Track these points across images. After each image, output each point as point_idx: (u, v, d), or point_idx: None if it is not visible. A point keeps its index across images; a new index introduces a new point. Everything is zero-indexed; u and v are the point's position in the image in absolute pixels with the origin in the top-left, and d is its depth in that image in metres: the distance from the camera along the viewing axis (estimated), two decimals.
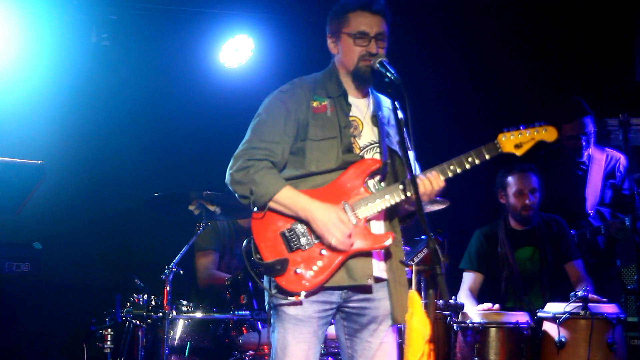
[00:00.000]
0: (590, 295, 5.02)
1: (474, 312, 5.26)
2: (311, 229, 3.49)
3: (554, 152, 6.31)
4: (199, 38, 6.62)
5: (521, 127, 3.67)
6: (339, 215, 3.47)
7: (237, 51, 6.69)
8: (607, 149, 6.26)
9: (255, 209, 3.55)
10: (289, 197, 3.49)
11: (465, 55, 7.01)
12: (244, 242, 3.56)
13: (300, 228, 3.51)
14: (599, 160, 6.21)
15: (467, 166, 3.60)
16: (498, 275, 5.75)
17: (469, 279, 5.80)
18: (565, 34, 6.93)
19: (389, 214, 3.64)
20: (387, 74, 3.51)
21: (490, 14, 6.92)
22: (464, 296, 5.70)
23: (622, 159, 6.11)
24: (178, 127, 6.70)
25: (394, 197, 3.54)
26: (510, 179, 5.77)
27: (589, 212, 6.17)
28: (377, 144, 3.66)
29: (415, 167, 3.73)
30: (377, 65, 3.56)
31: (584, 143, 6.15)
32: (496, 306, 5.32)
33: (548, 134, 3.71)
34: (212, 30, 6.63)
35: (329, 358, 4.94)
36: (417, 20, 6.95)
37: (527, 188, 5.72)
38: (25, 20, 5.94)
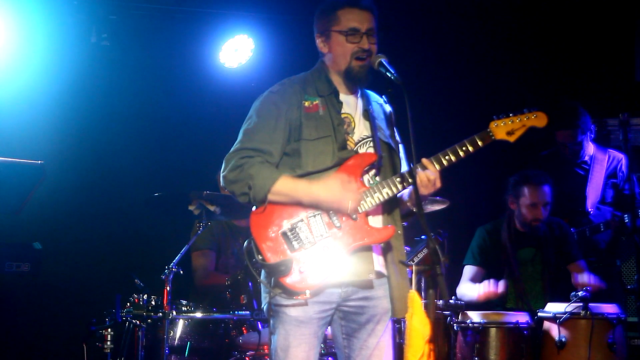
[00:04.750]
0: (592, 282, 5.06)
1: (475, 290, 5.36)
2: (317, 223, 3.48)
3: (556, 152, 6.32)
4: (199, 38, 6.62)
5: (511, 114, 3.70)
6: (340, 181, 3.48)
7: (237, 51, 6.69)
8: (609, 150, 6.28)
9: (255, 205, 3.53)
10: (288, 186, 3.48)
11: (464, 54, 7.01)
12: (245, 243, 3.54)
13: (302, 226, 3.50)
14: (601, 161, 6.22)
15: (462, 154, 3.61)
16: (499, 273, 5.75)
17: (470, 271, 5.80)
18: (566, 33, 6.93)
19: (388, 207, 3.65)
20: (388, 74, 3.51)
21: (491, 13, 6.91)
22: (464, 286, 5.70)
23: (624, 160, 6.12)
24: (178, 127, 6.71)
25: (391, 189, 3.55)
26: (525, 190, 5.72)
27: (590, 210, 6.18)
28: (370, 138, 3.67)
29: (405, 161, 3.75)
30: (377, 65, 3.57)
31: (577, 148, 6.18)
32: (501, 286, 5.33)
33: (538, 119, 3.75)
34: (212, 30, 6.63)
35: (329, 358, 4.94)
36: (416, 17, 6.95)
37: (541, 202, 5.70)
38: (25, 21, 5.94)
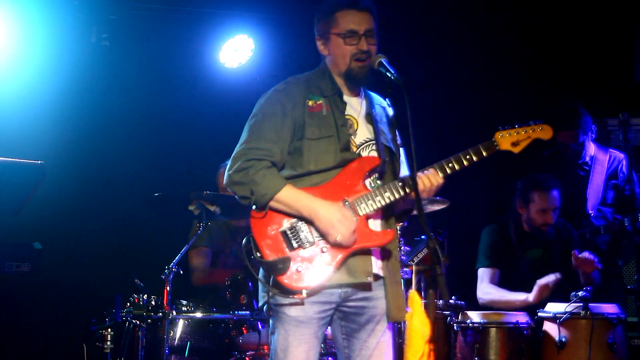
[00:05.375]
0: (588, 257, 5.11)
1: (521, 296, 5.48)
2: (314, 227, 3.49)
3: (557, 152, 6.31)
4: (199, 38, 6.62)
5: (516, 126, 3.72)
6: (342, 212, 3.47)
7: (237, 51, 6.69)
8: (610, 150, 6.27)
9: (255, 208, 3.54)
10: (290, 196, 3.48)
11: (464, 54, 7.01)
12: (244, 241, 3.54)
13: (301, 226, 3.50)
14: (602, 161, 6.22)
15: (466, 163, 3.62)
16: (510, 273, 5.76)
17: (487, 274, 5.78)
18: (566, 34, 6.93)
19: (386, 212, 3.65)
20: (388, 74, 3.51)
21: (490, 13, 6.92)
22: (491, 288, 5.69)
23: (625, 160, 6.11)
24: (178, 127, 6.70)
25: (393, 193, 3.55)
26: (535, 195, 5.73)
27: (590, 212, 6.18)
28: (373, 142, 3.67)
29: (405, 165, 3.75)
30: (377, 65, 3.57)
31: (579, 148, 6.17)
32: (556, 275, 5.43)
33: (544, 132, 3.76)
34: (212, 30, 6.63)
35: (329, 358, 4.94)
36: (416, 19, 6.95)
37: (551, 208, 5.71)
38: (25, 21, 5.94)
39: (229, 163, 3.56)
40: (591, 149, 6.25)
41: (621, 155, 6.18)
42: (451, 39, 7.00)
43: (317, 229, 3.48)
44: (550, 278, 5.47)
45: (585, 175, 6.25)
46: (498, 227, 5.91)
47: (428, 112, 6.57)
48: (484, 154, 3.65)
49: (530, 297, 5.50)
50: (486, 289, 5.73)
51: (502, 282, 5.78)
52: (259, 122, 3.59)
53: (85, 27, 6.24)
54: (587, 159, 6.25)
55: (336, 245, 3.48)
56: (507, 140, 3.70)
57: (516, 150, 3.72)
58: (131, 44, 6.41)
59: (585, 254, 5.50)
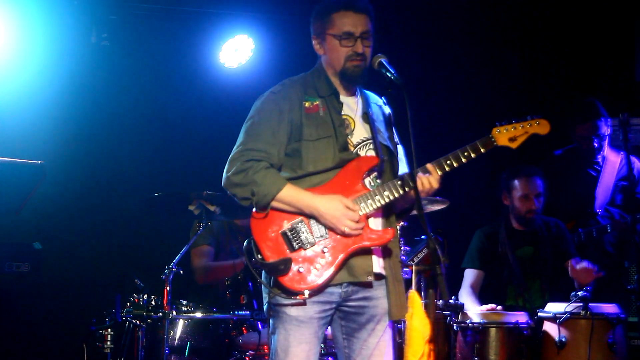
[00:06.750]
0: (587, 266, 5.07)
1: (476, 311, 5.29)
2: (318, 224, 3.49)
3: (570, 151, 6.28)
4: (199, 38, 6.62)
5: (513, 121, 3.71)
6: (344, 203, 3.48)
7: (237, 51, 6.69)
8: (622, 152, 6.23)
9: (256, 209, 3.54)
10: (291, 195, 3.49)
11: (465, 54, 7.01)
12: (245, 242, 3.54)
13: (301, 227, 3.51)
14: (614, 163, 6.17)
15: (464, 160, 3.61)
16: (499, 273, 5.75)
17: (470, 276, 5.81)
18: (566, 34, 6.93)
19: (386, 211, 3.65)
20: (388, 74, 3.51)
21: (491, 13, 6.92)
22: (465, 294, 5.70)
23: (638, 163, 6.09)
24: (178, 127, 6.71)
25: (392, 193, 3.55)
26: (516, 182, 5.75)
27: (597, 210, 6.15)
28: (370, 141, 3.66)
29: (404, 162, 3.76)
30: (377, 65, 3.56)
31: (596, 145, 6.13)
32: (499, 307, 5.34)
33: (541, 127, 3.73)
34: (212, 30, 6.63)
35: (329, 358, 4.94)
36: (418, 18, 6.95)
37: (532, 193, 5.71)
38: (25, 21, 5.95)
39: (226, 165, 3.57)
40: (605, 148, 6.21)
41: (633, 159, 6.12)
42: (451, 41, 7.00)
43: (323, 225, 3.49)
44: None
45: (596, 175, 6.21)
46: (489, 229, 5.89)
47: (427, 111, 6.56)
48: (482, 150, 3.63)
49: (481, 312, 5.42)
50: (462, 292, 5.74)
51: (490, 282, 5.77)
52: (256, 123, 3.60)
53: (85, 27, 6.24)
54: (599, 158, 6.21)
55: (344, 237, 3.48)
56: (504, 135, 3.69)
57: (514, 145, 3.70)
58: (131, 44, 6.42)
59: (584, 264, 5.46)
